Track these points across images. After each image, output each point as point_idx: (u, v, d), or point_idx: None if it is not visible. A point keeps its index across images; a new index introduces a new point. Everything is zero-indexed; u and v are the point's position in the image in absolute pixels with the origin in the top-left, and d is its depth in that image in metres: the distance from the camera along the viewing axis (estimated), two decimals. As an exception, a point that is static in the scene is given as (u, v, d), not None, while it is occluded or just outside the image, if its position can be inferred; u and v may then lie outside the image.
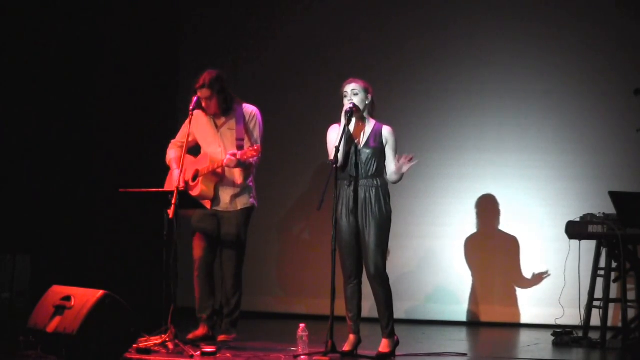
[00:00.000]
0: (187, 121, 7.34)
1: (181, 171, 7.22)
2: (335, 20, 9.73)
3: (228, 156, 7.19)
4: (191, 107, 7.25)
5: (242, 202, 7.41)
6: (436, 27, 9.52)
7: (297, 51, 9.79)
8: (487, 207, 9.33)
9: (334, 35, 9.71)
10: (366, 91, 6.85)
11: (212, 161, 7.29)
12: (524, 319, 9.25)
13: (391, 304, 6.77)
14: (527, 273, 9.23)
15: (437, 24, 9.52)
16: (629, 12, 9.16)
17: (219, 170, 7.31)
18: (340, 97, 6.86)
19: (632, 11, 9.15)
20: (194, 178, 7.36)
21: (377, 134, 6.83)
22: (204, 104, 7.38)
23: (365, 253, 6.74)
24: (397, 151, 6.84)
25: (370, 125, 6.87)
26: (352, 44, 9.62)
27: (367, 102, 6.86)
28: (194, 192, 7.29)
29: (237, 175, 7.37)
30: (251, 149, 7.15)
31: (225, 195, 7.39)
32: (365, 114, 6.87)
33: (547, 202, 9.22)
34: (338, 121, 6.83)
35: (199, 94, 7.35)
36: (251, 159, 7.21)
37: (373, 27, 9.63)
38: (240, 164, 7.23)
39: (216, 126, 7.43)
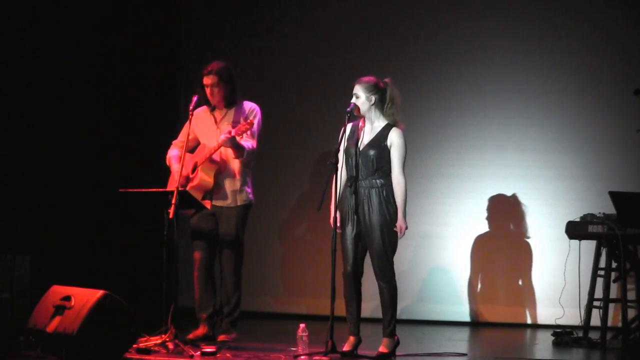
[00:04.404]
0: (188, 122, 7.34)
1: (181, 172, 7.21)
2: (337, 21, 9.73)
3: (223, 135, 7.16)
4: (191, 107, 7.25)
5: (242, 198, 7.40)
6: (437, 28, 9.52)
7: (298, 52, 9.79)
8: (488, 207, 9.33)
9: (335, 36, 9.70)
10: (370, 91, 6.75)
11: (208, 149, 7.28)
12: (524, 319, 9.25)
13: (395, 304, 6.75)
14: (528, 273, 9.24)
15: (438, 25, 9.52)
16: (628, 12, 9.16)
17: (216, 157, 7.29)
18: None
19: (632, 11, 9.15)
20: (194, 170, 7.36)
21: (382, 135, 6.76)
22: (208, 92, 7.37)
23: (371, 253, 6.72)
24: (406, 154, 6.79)
25: (376, 125, 6.80)
26: (354, 45, 9.61)
27: (371, 103, 6.77)
28: (194, 182, 7.28)
29: (236, 165, 7.34)
30: (244, 122, 7.14)
31: (226, 187, 7.36)
32: (372, 114, 6.80)
33: (547, 202, 9.22)
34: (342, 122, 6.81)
35: (205, 80, 7.35)
36: (245, 131, 7.14)
37: (374, 28, 9.63)
38: (235, 142, 7.18)
39: (216, 121, 7.43)
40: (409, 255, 9.25)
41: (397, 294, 6.76)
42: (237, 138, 7.14)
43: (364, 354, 6.75)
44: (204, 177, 7.31)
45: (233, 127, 7.23)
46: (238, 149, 7.22)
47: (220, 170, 7.34)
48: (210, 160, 7.29)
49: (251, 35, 9.86)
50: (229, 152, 7.29)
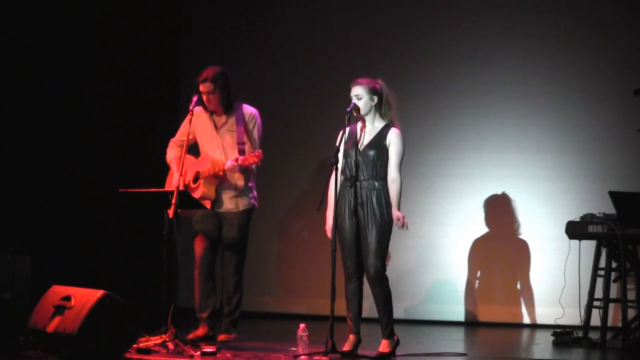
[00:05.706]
0: (187, 120, 7.34)
1: (181, 171, 7.21)
2: (336, 21, 9.73)
3: (230, 162, 7.19)
4: (191, 107, 7.25)
5: (244, 203, 7.41)
6: (437, 28, 9.52)
7: (298, 52, 9.79)
8: (487, 207, 9.33)
9: (335, 36, 9.71)
10: (372, 92, 6.75)
11: (213, 164, 7.28)
12: (523, 319, 9.25)
13: (390, 305, 6.75)
14: (527, 273, 9.24)
15: (438, 25, 9.52)
16: (628, 12, 9.16)
17: (220, 172, 7.31)
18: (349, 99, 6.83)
19: (632, 11, 9.15)
20: (195, 180, 7.36)
21: (381, 136, 6.76)
22: (204, 99, 7.37)
23: (365, 254, 6.71)
24: (404, 154, 6.79)
25: (376, 126, 6.80)
26: (353, 45, 9.62)
27: (372, 104, 6.78)
28: (196, 194, 7.29)
29: (238, 177, 7.36)
30: (252, 155, 7.15)
31: (227, 197, 7.39)
32: (372, 115, 6.79)
33: (547, 202, 9.22)
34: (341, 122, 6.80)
35: (200, 87, 7.35)
36: (252, 165, 7.21)
37: (374, 28, 9.63)
38: (241, 168, 7.24)
39: (216, 127, 7.43)
40: (408, 255, 9.24)
41: (391, 297, 6.75)
42: (244, 164, 7.18)
43: (364, 354, 6.75)
44: (206, 191, 7.32)
45: (237, 139, 7.26)
46: (244, 172, 7.27)
47: (223, 182, 7.36)
48: (214, 175, 7.31)
49: (251, 36, 9.86)
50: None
